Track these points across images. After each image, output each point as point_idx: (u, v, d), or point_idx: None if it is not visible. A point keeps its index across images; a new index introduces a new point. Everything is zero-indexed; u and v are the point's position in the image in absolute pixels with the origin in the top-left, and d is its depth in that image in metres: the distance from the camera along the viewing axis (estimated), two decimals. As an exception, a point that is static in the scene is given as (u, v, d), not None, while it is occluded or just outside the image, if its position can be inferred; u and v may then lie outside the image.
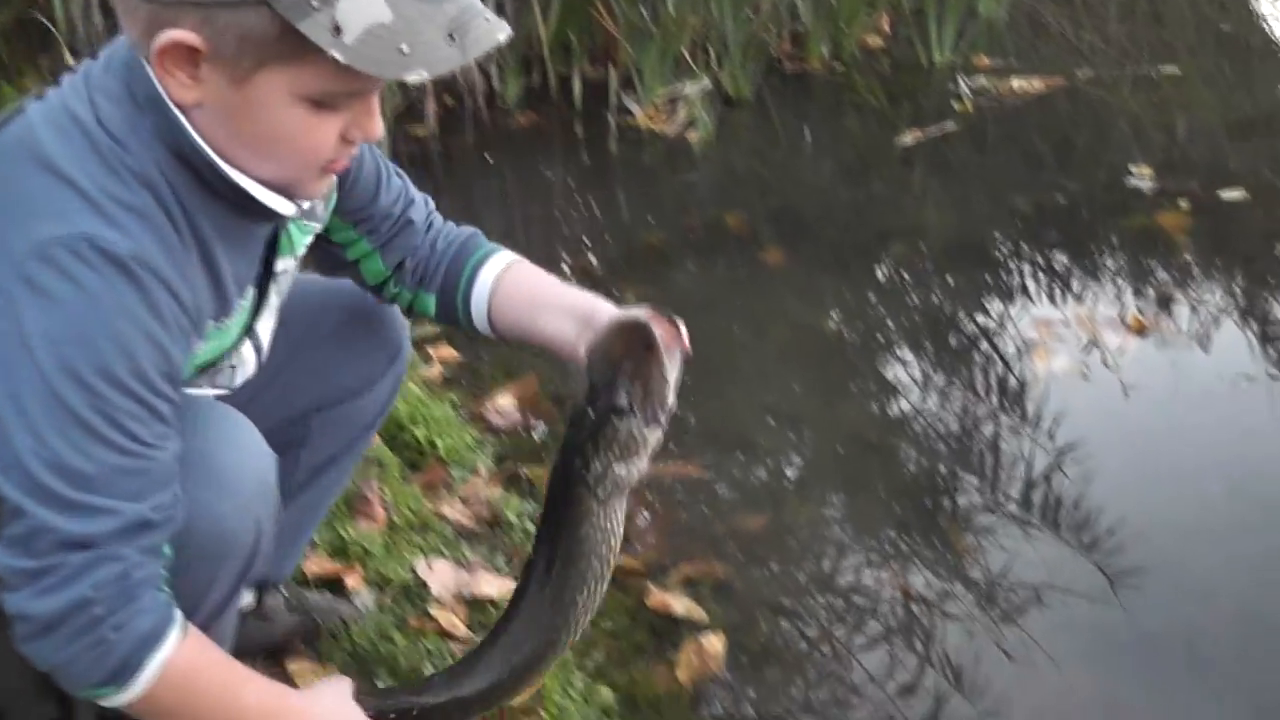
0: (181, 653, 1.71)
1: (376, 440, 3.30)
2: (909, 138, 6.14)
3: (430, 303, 2.23)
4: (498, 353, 4.23)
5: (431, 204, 2.26)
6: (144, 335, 1.62)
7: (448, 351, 4.22)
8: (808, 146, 6.32)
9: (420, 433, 3.41)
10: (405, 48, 1.56)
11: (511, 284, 2.17)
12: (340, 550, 2.90)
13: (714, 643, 2.85)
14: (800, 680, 2.78)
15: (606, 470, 1.93)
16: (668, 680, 2.76)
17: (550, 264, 4.79)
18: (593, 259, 5.09)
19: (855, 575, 3.12)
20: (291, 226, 2.00)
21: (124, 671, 1.67)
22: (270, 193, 1.76)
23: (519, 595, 2.08)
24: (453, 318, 2.24)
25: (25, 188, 1.62)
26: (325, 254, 2.21)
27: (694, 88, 6.35)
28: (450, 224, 2.27)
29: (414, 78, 1.59)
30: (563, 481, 1.97)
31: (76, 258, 1.57)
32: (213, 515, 1.77)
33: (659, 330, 1.91)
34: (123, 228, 1.60)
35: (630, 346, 1.90)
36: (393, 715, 2.08)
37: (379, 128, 1.74)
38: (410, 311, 2.29)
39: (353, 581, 2.84)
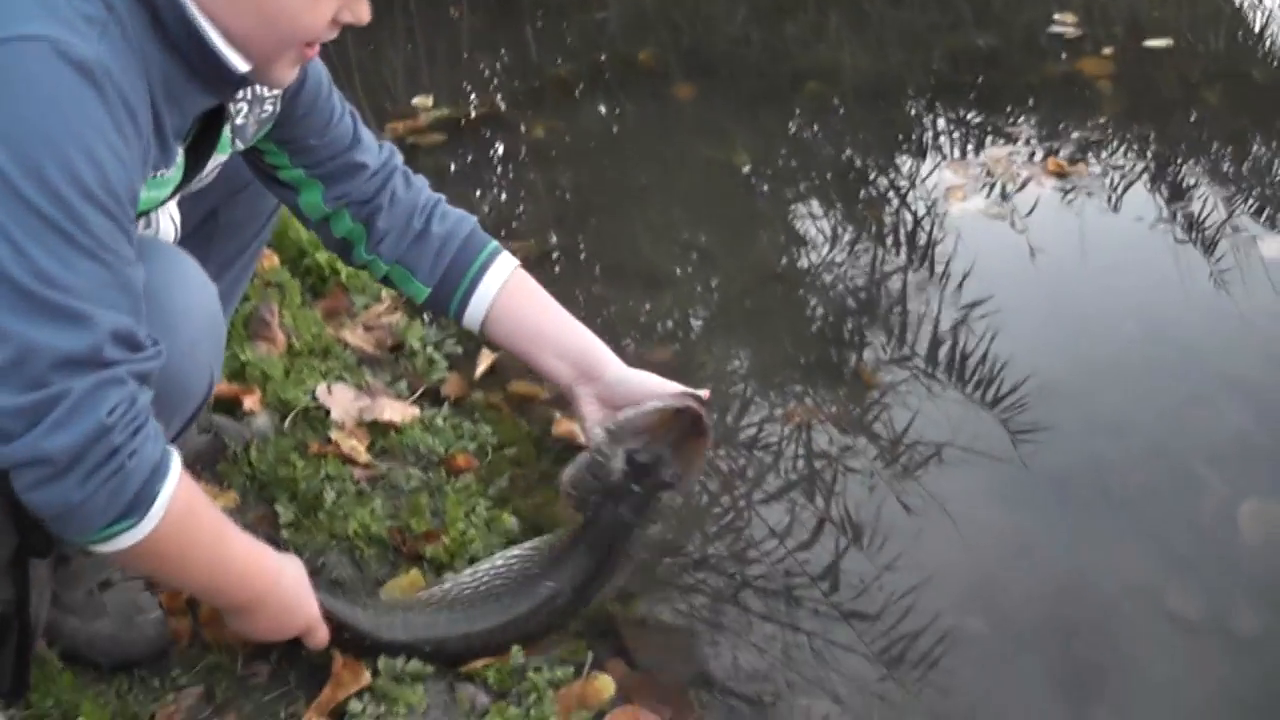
0: (183, 485, 1.66)
1: (277, 263, 3.21)
2: (826, -20, 6.05)
3: (423, 293, 2.22)
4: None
5: (399, 158, 2.22)
6: (109, 148, 1.51)
7: (351, 181, 4.11)
8: (722, -14, 6.21)
9: (323, 258, 3.30)
10: None
11: (513, 303, 2.23)
12: (238, 374, 2.80)
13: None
14: (699, 534, 2.73)
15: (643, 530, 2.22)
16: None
17: (458, 100, 4.77)
18: (500, 94, 4.98)
19: (757, 426, 3.06)
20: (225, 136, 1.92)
21: (139, 504, 1.60)
22: (232, 50, 1.67)
23: (525, 585, 2.23)
24: (441, 311, 2.28)
25: None
26: (261, 172, 2.16)
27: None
28: (443, 203, 2.25)
29: None
30: (608, 535, 2.20)
31: (40, 60, 1.45)
32: (171, 361, 1.66)
33: (703, 414, 2.12)
34: (85, 37, 1.49)
35: (681, 430, 2.13)
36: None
37: (368, 12, 1.72)
38: (387, 282, 2.26)
39: (251, 404, 2.74)
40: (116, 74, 1.51)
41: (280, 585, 1.95)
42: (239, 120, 1.93)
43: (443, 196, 2.26)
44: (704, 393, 2.15)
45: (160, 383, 1.64)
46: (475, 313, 2.21)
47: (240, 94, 1.88)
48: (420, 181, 2.24)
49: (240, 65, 1.69)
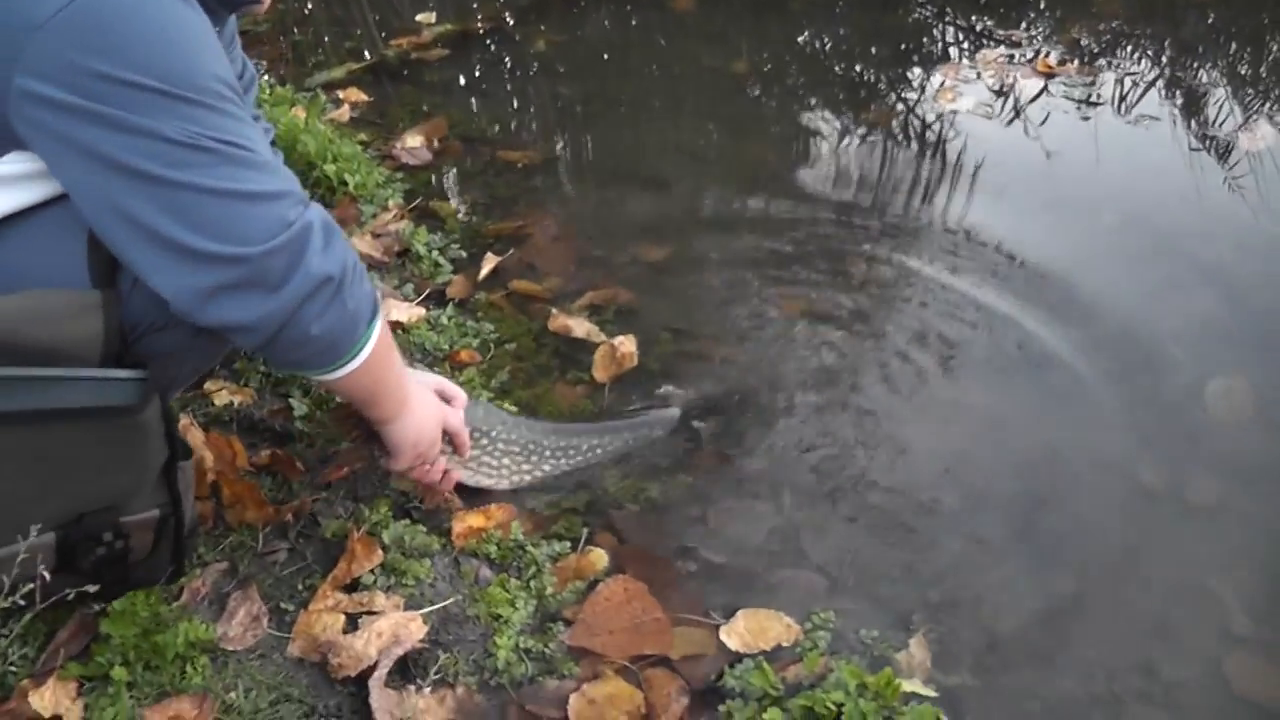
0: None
1: (285, 174, 3.33)
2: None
3: None
4: (406, 96, 4.24)
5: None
6: (215, 45, 1.75)
7: (357, 94, 4.22)
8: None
9: (330, 169, 3.43)
10: None
11: None
12: (250, 278, 2.93)
13: (627, 344, 2.94)
14: (686, 417, 2.86)
15: None
16: (570, 395, 2.85)
17: (461, 12, 4.85)
18: (503, 6, 5.05)
19: (749, 317, 3.18)
20: None
21: (369, 325, 1.91)
22: None
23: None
24: None
25: None
26: None
27: None
28: None
29: None
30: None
31: None
32: None
33: None
34: None
35: None
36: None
37: None
38: None
39: (264, 307, 2.87)
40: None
41: (420, 396, 2.27)
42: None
43: None
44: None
45: None
46: None
47: None
48: None
49: None
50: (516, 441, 2.53)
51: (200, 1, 1.81)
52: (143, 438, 1.79)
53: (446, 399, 2.39)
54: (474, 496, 2.50)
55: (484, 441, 2.48)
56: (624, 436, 2.70)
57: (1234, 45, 4.73)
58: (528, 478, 2.57)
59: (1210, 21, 4.87)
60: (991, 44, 4.65)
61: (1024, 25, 4.90)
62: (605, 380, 2.88)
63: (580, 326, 3.01)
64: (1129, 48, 4.66)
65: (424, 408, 2.29)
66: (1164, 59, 4.58)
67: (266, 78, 4.18)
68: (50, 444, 1.72)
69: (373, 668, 2.08)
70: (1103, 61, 4.51)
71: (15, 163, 1.73)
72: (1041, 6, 5.10)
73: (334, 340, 1.86)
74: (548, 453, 2.58)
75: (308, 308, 1.77)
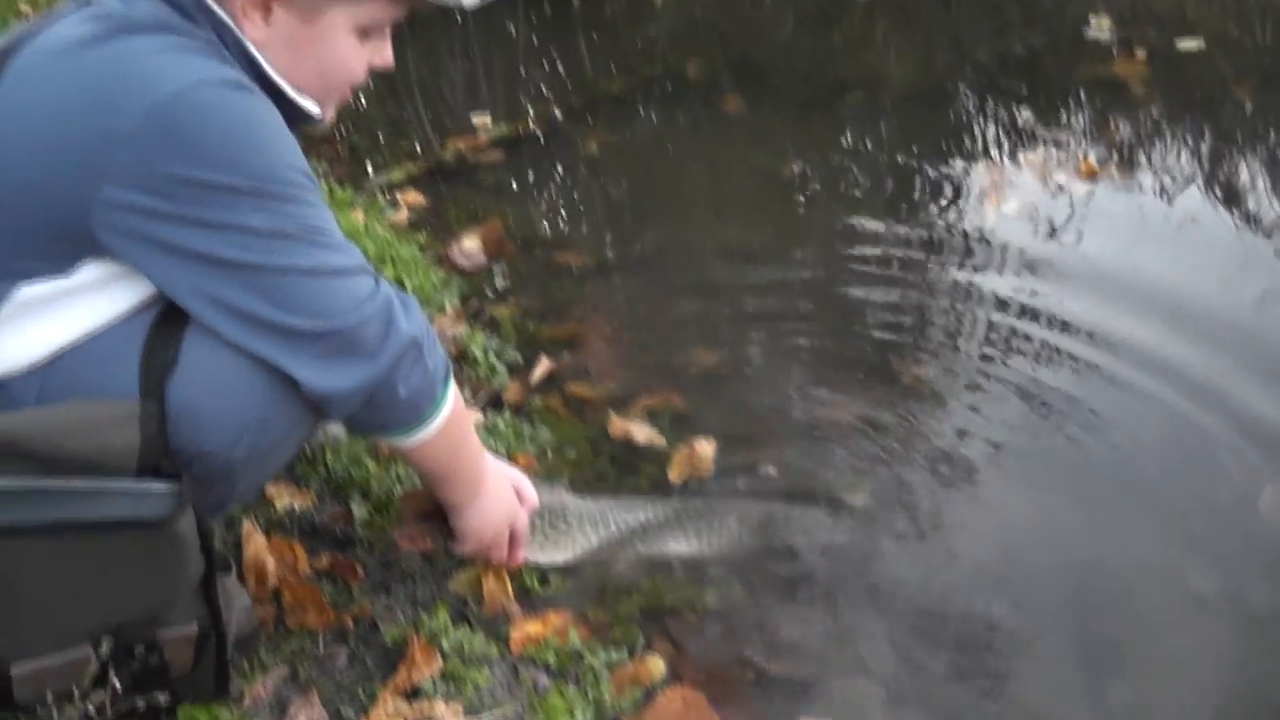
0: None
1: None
2: (871, -11, 6.18)
3: None
4: (463, 198, 4.31)
5: None
6: (283, 130, 1.84)
7: (414, 196, 4.30)
8: (769, -2, 6.35)
9: (389, 272, 3.50)
10: None
11: None
12: (311, 382, 2.98)
13: (706, 447, 2.98)
14: (740, 523, 2.84)
15: None
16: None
17: (516, 115, 4.93)
18: (556, 110, 5.14)
19: (800, 420, 3.20)
20: None
21: (445, 386, 2.03)
22: (301, 97, 1.99)
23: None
24: None
25: (130, 74, 1.75)
26: None
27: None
28: None
29: (469, 1, 2.00)
30: None
31: (210, 95, 1.74)
32: None
33: None
34: (222, 69, 1.80)
35: None
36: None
37: (392, 56, 2.06)
38: None
39: (323, 411, 2.92)
40: (256, 88, 1.84)
41: (495, 470, 2.36)
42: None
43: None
44: None
45: None
46: None
47: None
48: None
49: (314, 108, 2.00)
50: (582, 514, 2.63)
51: None
52: (176, 551, 1.81)
53: (520, 497, 2.44)
54: (531, 603, 2.52)
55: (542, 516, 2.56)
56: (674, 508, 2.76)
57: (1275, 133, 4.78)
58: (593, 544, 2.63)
59: (1264, 121, 4.91)
60: (1034, 143, 4.70)
61: (1065, 118, 4.95)
62: (677, 481, 2.92)
63: (642, 432, 3.05)
64: (1169, 141, 4.69)
65: (498, 500, 2.36)
66: (1204, 152, 4.61)
67: (326, 178, 4.26)
68: (81, 556, 1.75)
69: (434, 776, 2.10)
70: (1143, 157, 4.56)
71: (90, 271, 1.81)
72: (1082, 96, 5.16)
73: (416, 400, 1.98)
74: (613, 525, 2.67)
75: (399, 370, 1.90)
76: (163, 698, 1.94)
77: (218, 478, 1.88)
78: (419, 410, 2.01)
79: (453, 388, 2.08)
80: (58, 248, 1.78)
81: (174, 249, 1.75)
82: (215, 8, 1.86)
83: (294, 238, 1.78)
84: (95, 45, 1.77)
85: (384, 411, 1.96)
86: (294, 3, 1.90)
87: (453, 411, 2.08)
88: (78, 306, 1.83)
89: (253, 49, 1.89)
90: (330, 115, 2.09)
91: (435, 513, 2.40)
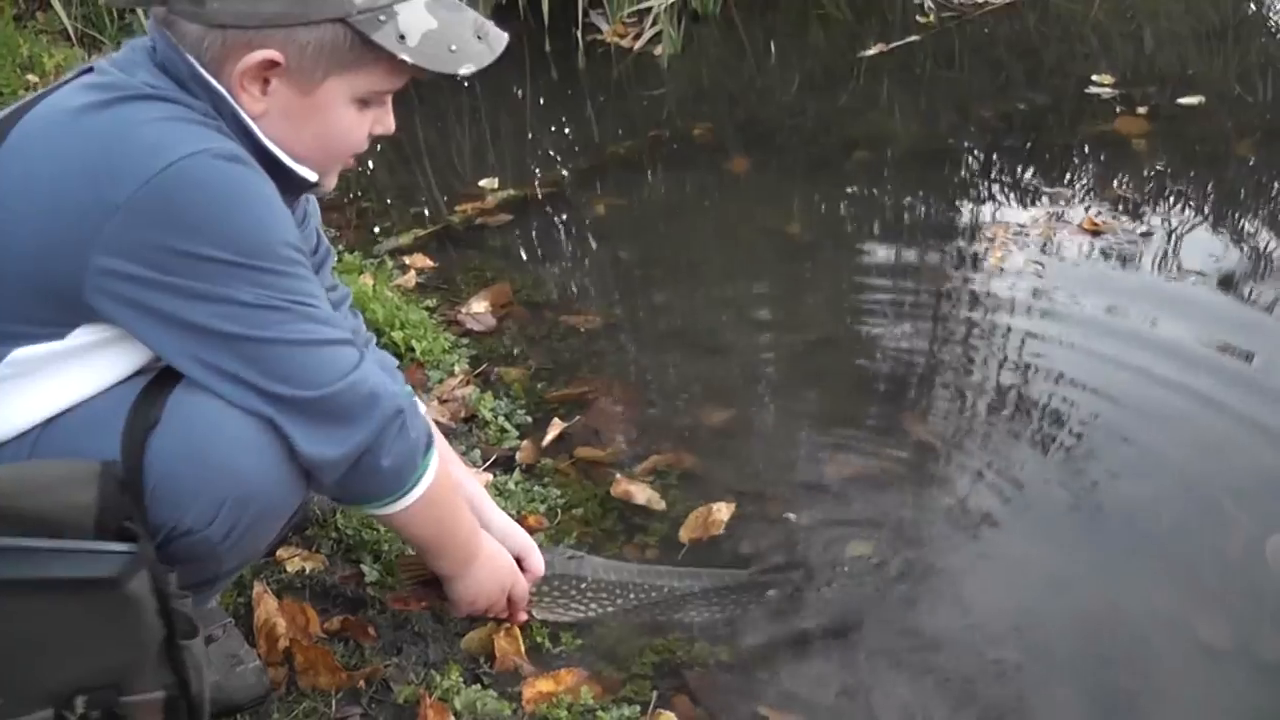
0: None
1: (356, 343, 3.42)
2: (874, 50, 6.23)
3: None
4: (471, 261, 4.35)
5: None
6: (278, 204, 1.88)
7: (423, 260, 4.33)
8: (773, 60, 6.41)
9: (398, 336, 3.52)
10: (454, 47, 1.95)
11: None
12: (322, 445, 3.00)
13: (722, 511, 2.99)
14: (766, 548, 2.89)
15: None
16: (637, 558, 2.88)
17: (524, 179, 4.98)
18: (564, 172, 5.19)
19: (808, 476, 3.21)
20: None
21: (426, 454, 2.05)
22: (298, 165, 1.99)
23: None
24: None
25: (127, 143, 1.78)
26: None
27: (660, 2, 6.41)
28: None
29: (465, 70, 1.98)
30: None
31: (205, 167, 1.78)
32: None
33: None
34: (220, 140, 1.84)
35: None
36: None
37: (393, 122, 2.07)
38: None
39: (335, 474, 2.94)
40: (252, 159, 1.87)
41: (490, 546, 2.39)
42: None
43: (373, 337, 2.52)
44: None
45: None
46: None
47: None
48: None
49: (312, 176, 2.02)
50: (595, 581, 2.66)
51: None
52: (130, 612, 1.76)
53: (522, 563, 2.47)
54: (543, 660, 2.53)
55: (555, 582, 2.59)
56: (702, 582, 2.75)
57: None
58: (608, 609, 2.65)
59: (1266, 176, 4.94)
60: (1037, 200, 4.73)
61: (1067, 175, 5.00)
62: (687, 541, 2.93)
63: (641, 493, 3.06)
64: (1172, 197, 4.73)
65: (492, 571, 2.38)
66: (1206, 208, 4.65)
67: (335, 243, 4.29)
68: (34, 615, 1.72)
69: (447, 837, 2.10)
70: (1147, 211, 4.59)
71: (84, 335, 1.85)
72: (1086, 151, 5.20)
73: (399, 469, 2.01)
74: (630, 592, 2.68)
75: (383, 437, 1.93)
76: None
77: (203, 555, 1.89)
78: (400, 479, 2.03)
79: (435, 458, 2.09)
80: (52, 312, 1.82)
81: (165, 316, 1.79)
82: (212, 80, 1.87)
83: (281, 309, 1.82)
84: (93, 113, 1.81)
85: (366, 480, 1.99)
86: (291, 75, 1.90)
87: (436, 481, 2.10)
88: (72, 371, 1.87)
89: (249, 120, 1.90)
90: (331, 182, 2.10)
91: (433, 579, 2.44)
